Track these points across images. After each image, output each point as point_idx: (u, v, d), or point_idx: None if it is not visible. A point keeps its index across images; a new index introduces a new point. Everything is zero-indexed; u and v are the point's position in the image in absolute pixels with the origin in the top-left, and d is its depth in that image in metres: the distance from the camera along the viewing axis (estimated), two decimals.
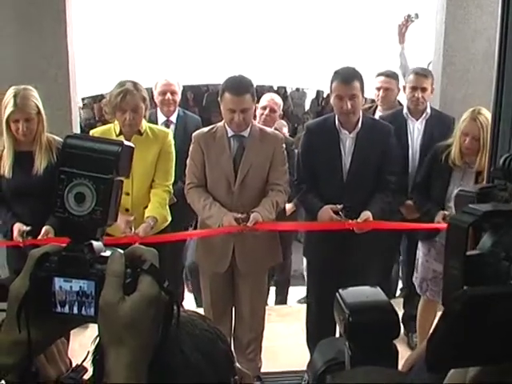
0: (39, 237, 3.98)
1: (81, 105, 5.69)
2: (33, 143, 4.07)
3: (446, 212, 4.11)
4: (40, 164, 4.07)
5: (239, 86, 4.02)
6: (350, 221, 4.07)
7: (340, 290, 1.30)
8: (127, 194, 4.23)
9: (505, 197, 1.62)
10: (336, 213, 4.11)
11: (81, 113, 5.80)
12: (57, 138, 4.20)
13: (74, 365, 1.44)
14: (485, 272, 1.26)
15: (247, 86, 4.04)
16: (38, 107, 4.01)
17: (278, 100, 5.71)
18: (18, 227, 4.01)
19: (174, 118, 5.49)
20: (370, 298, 1.31)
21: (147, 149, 4.25)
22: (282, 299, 6.22)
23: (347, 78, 4.09)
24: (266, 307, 4.61)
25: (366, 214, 4.10)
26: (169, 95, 5.42)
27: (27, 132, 4.00)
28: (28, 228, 3.98)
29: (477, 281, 1.27)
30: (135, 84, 4.14)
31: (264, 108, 5.49)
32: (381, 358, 1.21)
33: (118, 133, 4.23)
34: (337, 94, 4.13)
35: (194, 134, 4.28)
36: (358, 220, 4.08)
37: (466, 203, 1.70)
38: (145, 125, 4.29)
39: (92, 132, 4.37)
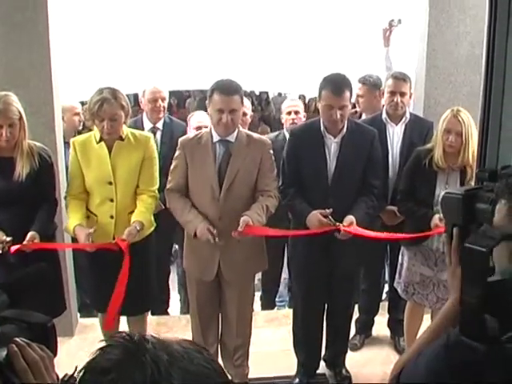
0: (25, 242, 3.92)
1: (80, 110, 5.65)
2: (14, 149, 4.03)
3: (440, 215, 4.11)
4: (22, 170, 4.03)
5: (229, 86, 4.01)
6: (339, 224, 4.05)
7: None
8: (111, 200, 4.22)
9: (491, 198, 1.63)
10: (325, 217, 4.10)
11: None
12: (38, 144, 4.19)
13: (60, 377, 1.43)
14: (510, 298, 1.24)
15: (236, 88, 4.03)
16: (20, 112, 3.98)
17: (246, 103, 5.73)
18: None
19: (160, 125, 5.51)
20: None
21: (129, 154, 4.24)
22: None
23: (338, 88, 4.07)
24: (252, 313, 4.59)
25: (350, 219, 4.09)
26: (160, 102, 5.43)
27: (10, 137, 3.95)
28: (9, 238, 3.91)
29: (499, 308, 1.25)
30: (114, 92, 4.11)
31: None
32: None
33: (98, 140, 4.21)
34: (327, 104, 4.12)
35: (179, 140, 4.27)
36: (344, 222, 4.07)
37: (453, 204, 1.70)
38: (126, 130, 4.27)
39: (72, 140, 4.34)
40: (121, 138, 4.22)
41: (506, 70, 1.90)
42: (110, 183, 4.20)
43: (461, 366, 1.43)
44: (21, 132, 4.01)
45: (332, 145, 4.25)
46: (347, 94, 4.09)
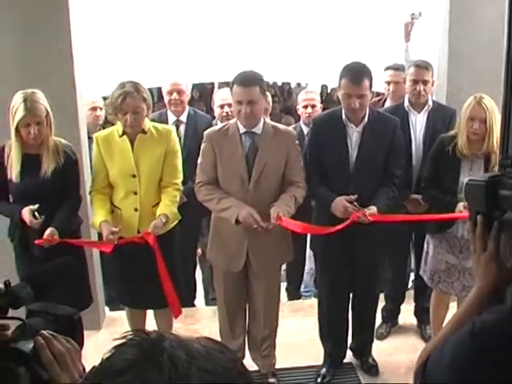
0: (44, 236, 4.00)
1: (101, 105, 5.69)
2: (40, 146, 4.08)
3: (464, 203, 4.10)
4: (48, 167, 4.09)
5: (247, 78, 4.02)
6: (365, 209, 4.05)
7: None
8: (135, 193, 4.25)
9: None
10: (350, 203, 4.09)
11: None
12: (63, 140, 4.23)
13: (87, 370, 1.45)
14: None
15: (255, 79, 4.02)
16: (46, 110, 4.02)
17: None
18: (26, 210, 3.99)
19: (184, 118, 5.51)
20: None
21: (152, 147, 4.26)
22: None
23: (357, 77, 4.06)
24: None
25: (372, 209, 4.09)
26: (175, 95, 5.42)
27: (37, 135, 4.00)
28: (36, 206, 3.97)
29: None
30: (136, 85, 4.15)
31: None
32: None
33: (120, 133, 4.24)
34: (345, 93, 4.11)
35: (205, 133, 4.28)
36: (366, 213, 4.06)
37: (476, 192, 1.70)
38: (148, 123, 4.30)
39: (95, 135, 4.39)
40: (143, 132, 4.24)
41: None
42: (134, 176, 4.22)
43: (486, 354, 1.43)
44: (47, 129, 4.06)
45: (354, 134, 4.25)
46: (366, 82, 4.07)
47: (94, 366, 1.02)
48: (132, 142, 4.23)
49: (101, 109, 5.71)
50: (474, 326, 1.48)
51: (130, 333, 1.04)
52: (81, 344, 1.51)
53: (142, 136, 4.24)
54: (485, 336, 1.44)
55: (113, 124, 4.48)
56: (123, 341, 1.02)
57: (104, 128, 5.08)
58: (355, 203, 4.08)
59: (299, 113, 5.84)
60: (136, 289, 4.33)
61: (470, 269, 4.07)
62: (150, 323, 4.63)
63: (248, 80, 4.00)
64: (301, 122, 5.75)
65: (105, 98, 5.23)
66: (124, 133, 4.23)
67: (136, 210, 4.28)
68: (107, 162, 4.27)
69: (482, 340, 1.44)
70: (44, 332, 1.41)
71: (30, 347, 1.39)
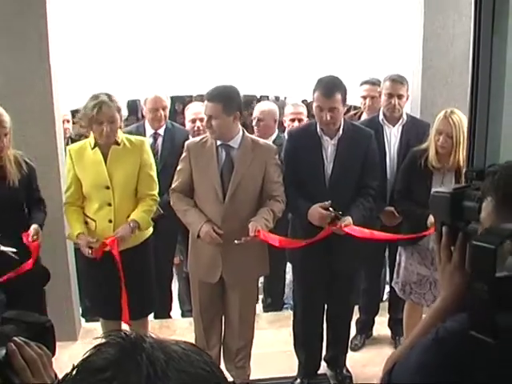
0: (30, 235, 4.01)
1: (70, 118, 5.71)
2: (1, 158, 4.09)
3: None
4: (14, 176, 4.09)
5: (210, 94, 4.10)
6: (340, 213, 4.11)
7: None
8: (109, 204, 4.27)
9: (477, 195, 1.67)
10: (326, 209, 4.14)
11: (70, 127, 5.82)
12: (18, 151, 4.24)
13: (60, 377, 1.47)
14: None
15: (218, 96, 4.06)
16: (9, 121, 4.05)
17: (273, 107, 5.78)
18: None
19: (161, 131, 5.52)
20: None
21: (126, 158, 4.29)
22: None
23: (329, 90, 4.12)
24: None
25: (347, 220, 4.13)
26: (161, 111, 5.44)
27: (4, 147, 4.02)
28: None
29: (510, 303, 1.29)
30: (109, 96, 4.18)
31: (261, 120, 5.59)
32: None
33: (92, 146, 4.26)
34: (318, 105, 4.17)
35: (186, 143, 4.34)
36: (342, 223, 4.10)
37: (442, 203, 1.74)
38: (121, 135, 4.33)
39: (68, 148, 4.42)
40: (116, 143, 4.27)
41: (492, 71, 1.94)
42: (108, 187, 4.25)
43: (449, 359, 1.47)
44: (10, 140, 4.09)
45: (329, 146, 4.29)
46: (338, 96, 4.12)
47: (73, 365, 1.02)
48: (105, 154, 4.26)
49: (68, 121, 5.73)
50: (438, 333, 1.52)
51: (111, 333, 1.04)
52: (53, 351, 1.53)
53: (116, 147, 4.26)
54: (448, 341, 1.48)
55: (82, 137, 4.49)
56: (104, 341, 1.03)
57: (73, 141, 5.11)
58: (331, 209, 4.12)
59: (285, 124, 5.83)
60: (111, 299, 4.33)
61: None
62: None
63: (211, 95, 4.08)
64: (285, 133, 5.78)
65: (73, 112, 5.23)
66: (96, 145, 4.25)
67: (110, 221, 4.29)
68: (80, 174, 4.29)
69: (445, 345, 1.49)
70: (16, 339, 1.43)
71: (3, 353, 1.40)
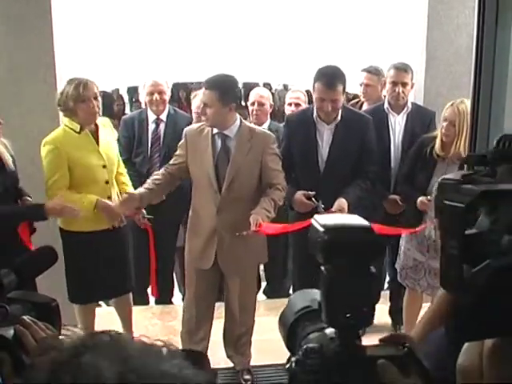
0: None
1: None
2: None
3: (428, 197, 4.21)
4: (8, 160, 4.05)
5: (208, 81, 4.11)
6: (321, 206, 4.13)
7: (315, 216, 1.26)
8: (106, 182, 4.36)
9: (488, 182, 1.68)
10: (308, 199, 4.15)
11: None
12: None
13: None
14: (485, 249, 1.30)
15: (212, 85, 4.07)
16: None
17: (264, 93, 5.75)
18: None
19: (164, 117, 5.54)
20: (348, 220, 1.27)
21: (110, 138, 4.49)
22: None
23: (330, 82, 4.15)
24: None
25: (342, 203, 4.14)
26: (156, 96, 5.47)
27: None
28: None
29: (477, 258, 1.31)
30: (87, 79, 4.25)
31: (252, 104, 5.56)
32: (358, 279, 1.21)
33: (78, 130, 4.26)
34: (319, 96, 4.18)
35: (185, 129, 4.34)
36: (333, 209, 4.11)
37: (451, 191, 1.75)
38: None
39: (45, 140, 4.31)
40: (96, 126, 4.35)
41: (495, 60, 1.95)
42: (104, 166, 4.34)
43: None
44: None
45: (325, 132, 4.32)
46: (339, 87, 4.16)
47: None
48: (93, 135, 4.33)
49: None
50: None
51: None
52: (58, 331, 1.55)
53: (102, 128, 4.39)
54: None
55: None
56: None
57: None
58: (313, 199, 4.15)
59: (286, 111, 5.83)
60: (99, 277, 4.37)
61: (436, 269, 4.13)
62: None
63: (207, 83, 4.09)
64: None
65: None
66: (81, 129, 4.26)
67: (109, 197, 4.36)
68: (73, 159, 4.24)
69: None
70: (25, 318, 1.45)
71: (11, 333, 1.42)
